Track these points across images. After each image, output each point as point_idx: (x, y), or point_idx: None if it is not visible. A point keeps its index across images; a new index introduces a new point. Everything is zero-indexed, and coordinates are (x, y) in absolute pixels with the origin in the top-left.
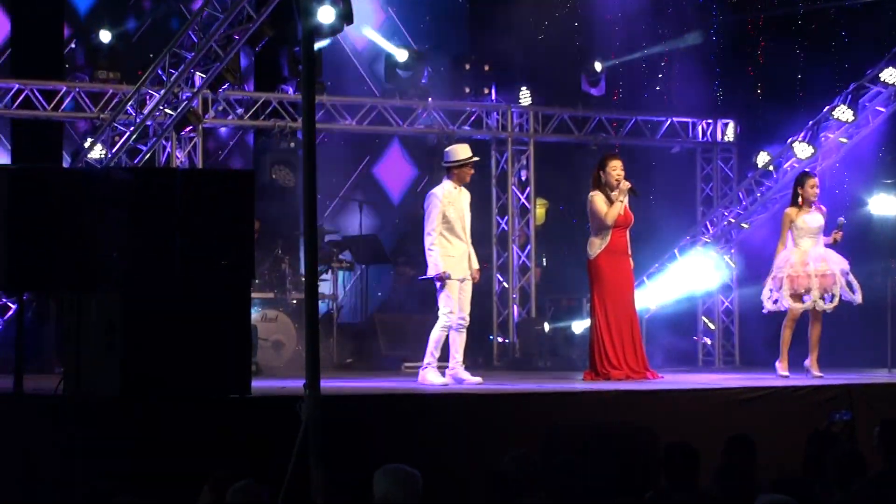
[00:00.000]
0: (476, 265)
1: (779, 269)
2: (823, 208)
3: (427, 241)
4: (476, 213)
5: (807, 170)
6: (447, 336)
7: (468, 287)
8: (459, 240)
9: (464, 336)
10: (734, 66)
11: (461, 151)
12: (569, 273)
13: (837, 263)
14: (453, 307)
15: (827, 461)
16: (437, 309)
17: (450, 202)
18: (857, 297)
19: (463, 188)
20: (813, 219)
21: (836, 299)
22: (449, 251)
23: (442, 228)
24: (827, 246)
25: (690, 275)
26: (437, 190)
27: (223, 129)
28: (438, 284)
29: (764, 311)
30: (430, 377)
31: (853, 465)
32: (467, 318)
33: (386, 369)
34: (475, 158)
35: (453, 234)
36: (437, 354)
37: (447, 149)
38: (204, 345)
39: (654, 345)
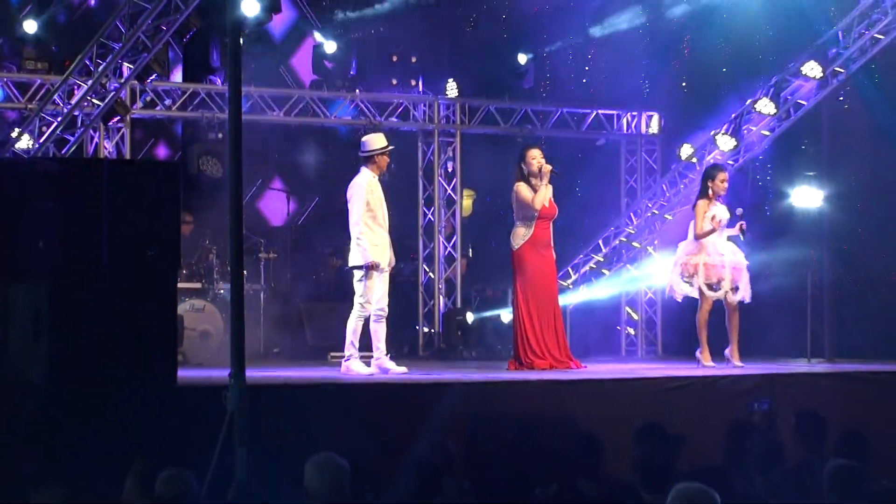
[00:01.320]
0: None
1: (690, 255)
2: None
3: (355, 230)
4: (403, 205)
5: (716, 163)
6: (363, 325)
7: (387, 277)
8: (381, 228)
9: (384, 326)
10: (660, 58)
11: (378, 140)
12: (495, 264)
13: (743, 257)
14: (371, 297)
15: (746, 450)
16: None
17: (371, 191)
18: (748, 296)
19: (377, 178)
20: (721, 211)
21: (740, 294)
22: (374, 240)
23: (367, 217)
24: (731, 238)
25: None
26: (360, 179)
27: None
28: (361, 273)
29: (677, 298)
30: (355, 367)
31: (772, 454)
32: (386, 308)
33: (313, 359)
34: (390, 147)
35: (376, 223)
36: (357, 344)
37: (363, 139)
38: (130, 334)
39: (577, 335)
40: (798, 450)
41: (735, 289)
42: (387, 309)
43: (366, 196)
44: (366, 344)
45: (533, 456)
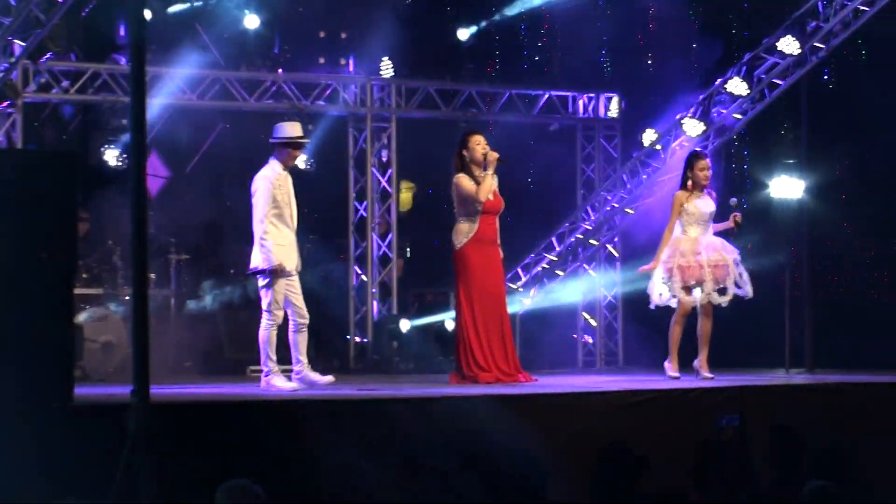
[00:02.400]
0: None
1: (666, 257)
2: (713, 193)
3: (258, 229)
4: (331, 199)
5: (698, 150)
6: (278, 335)
7: (297, 280)
8: (288, 228)
9: (306, 335)
10: (622, 34)
11: (291, 129)
12: (436, 264)
13: (730, 253)
14: (281, 302)
15: (714, 471)
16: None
17: (279, 185)
18: (749, 291)
19: (287, 172)
20: (705, 204)
21: (731, 293)
22: (279, 240)
23: (272, 215)
24: (717, 234)
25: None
26: (266, 171)
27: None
28: (265, 278)
29: (651, 305)
30: (276, 382)
31: (742, 475)
32: (307, 316)
33: (230, 374)
34: (302, 138)
35: (282, 222)
36: (274, 357)
37: (277, 124)
38: (20, 347)
39: (528, 344)
40: (772, 470)
41: (722, 290)
42: (307, 316)
43: (272, 191)
44: (287, 356)
45: (476, 481)
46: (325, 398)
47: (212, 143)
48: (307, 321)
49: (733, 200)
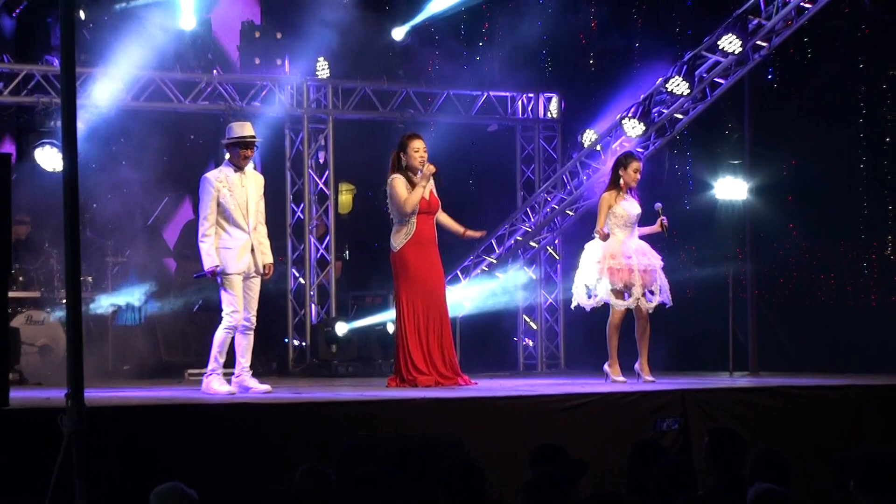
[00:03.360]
0: (268, 259)
1: (594, 259)
2: (637, 196)
3: (199, 231)
4: (269, 201)
5: (630, 151)
6: (232, 339)
7: (255, 284)
8: (240, 230)
9: (250, 339)
10: (563, 33)
11: (239, 128)
12: (376, 267)
13: (657, 258)
14: (237, 305)
15: (652, 475)
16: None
17: (226, 187)
18: (668, 299)
19: (250, 171)
20: (632, 206)
21: (656, 298)
22: (226, 242)
23: (218, 217)
24: (642, 237)
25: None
26: (210, 174)
27: None
28: (220, 281)
29: (587, 308)
30: (214, 385)
31: (678, 480)
32: (254, 320)
33: (167, 377)
34: (251, 137)
35: (231, 224)
36: (223, 360)
37: (227, 125)
38: None
39: (468, 347)
40: (712, 473)
41: (649, 294)
42: (254, 320)
43: (213, 192)
44: (231, 360)
45: (413, 485)
46: (259, 402)
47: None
48: (254, 325)
49: (658, 205)
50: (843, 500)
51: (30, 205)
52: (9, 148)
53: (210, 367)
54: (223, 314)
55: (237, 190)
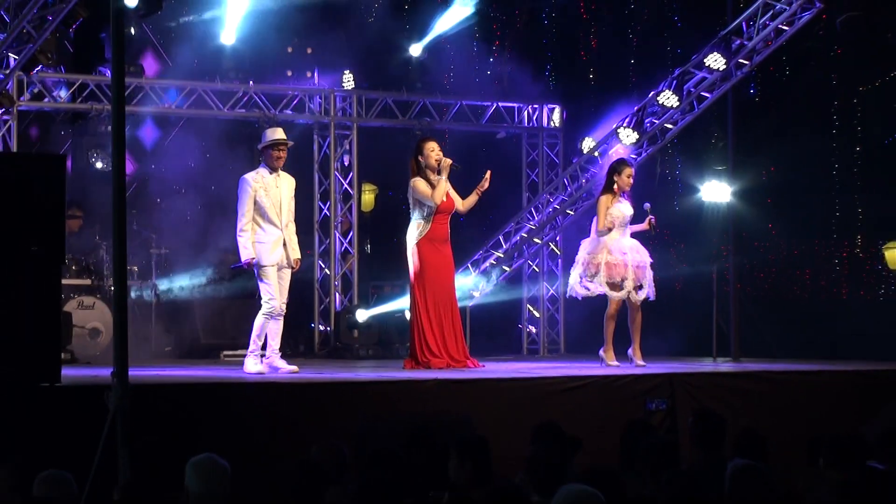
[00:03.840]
0: (296, 254)
1: (592, 254)
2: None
3: (238, 226)
4: (298, 200)
5: (623, 158)
6: (270, 324)
7: (286, 275)
8: (274, 226)
9: (280, 324)
10: (566, 50)
11: (272, 133)
12: (396, 259)
13: (647, 255)
14: (274, 293)
15: (640, 451)
16: (259, 297)
17: (262, 187)
18: (653, 294)
19: (284, 173)
20: (626, 208)
21: (645, 292)
22: (260, 237)
23: (254, 214)
24: (633, 235)
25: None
26: (248, 175)
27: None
28: (256, 272)
29: (578, 297)
30: (250, 365)
31: (663, 456)
32: (284, 307)
33: (205, 358)
34: (282, 140)
35: (266, 221)
36: (261, 342)
37: (263, 131)
38: (12, 332)
39: (478, 333)
40: (695, 450)
41: (639, 287)
42: (284, 308)
43: (251, 192)
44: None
45: (425, 459)
46: (286, 381)
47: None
48: (283, 312)
49: (647, 205)
50: (813, 474)
51: (83, 201)
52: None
53: (250, 348)
54: (263, 302)
55: (272, 190)
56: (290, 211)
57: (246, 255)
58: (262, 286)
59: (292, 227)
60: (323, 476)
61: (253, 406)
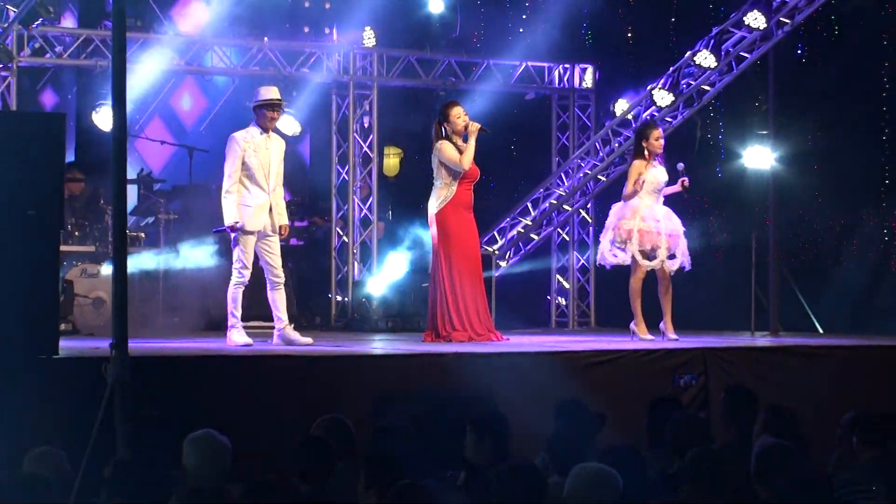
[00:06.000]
0: (283, 220)
1: (623, 220)
2: (662, 162)
3: (224, 187)
4: (316, 163)
5: (650, 120)
6: (243, 293)
7: (274, 243)
8: (261, 189)
9: (282, 294)
10: (603, 8)
11: (266, 91)
12: (419, 227)
13: (679, 224)
14: (246, 262)
15: (666, 429)
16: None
17: (252, 147)
18: (687, 263)
19: (274, 135)
20: (660, 173)
21: (677, 261)
22: (246, 200)
23: (242, 176)
24: (666, 197)
25: None
26: (237, 134)
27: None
28: (233, 236)
29: (608, 265)
30: (235, 337)
31: (692, 433)
32: (281, 274)
33: (214, 329)
34: (277, 100)
35: (253, 183)
36: (239, 313)
37: (256, 89)
38: (8, 301)
39: (504, 305)
40: (727, 429)
41: (671, 257)
42: (282, 276)
43: (239, 151)
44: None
45: (442, 437)
46: (295, 353)
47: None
48: (282, 280)
49: (681, 166)
50: (847, 453)
51: (88, 163)
52: (70, 108)
53: (229, 322)
54: (233, 269)
55: (262, 152)
56: (279, 175)
57: (230, 217)
58: (236, 252)
59: (280, 192)
60: (329, 452)
61: (259, 380)
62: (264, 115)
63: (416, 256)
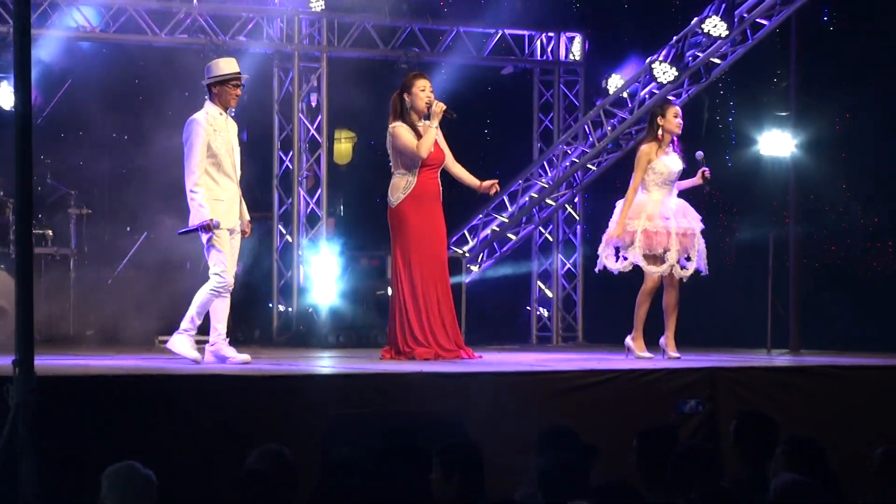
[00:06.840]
0: (247, 215)
1: (628, 220)
2: (680, 151)
3: (189, 181)
4: (254, 149)
5: (669, 98)
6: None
7: (237, 242)
8: (230, 180)
9: (228, 303)
10: None
11: (227, 65)
12: (377, 224)
13: (697, 220)
14: (227, 264)
15: (669, 462)
16: (209, 268)
17: (215, 130)
18: (704, 267)
19: (229, 117)
20: (675, 162)
21: (692, 265)
22: (217, 194)
23: (208, 164)
24: (682, 191)
25: None
26: (198, 115)
27: None
28: (205, 237)
29: (613, 272)
30: (181, 346)
31: (698, 468)
32: (232, 281)
33: (134, 344)
34: (242, 75)
35: (221, 173)
36: (199, 322)
37: (209, 63)
38: None
39: (476, 317)
40: (740, 463)
41: (685, 260)
42: (233, 282)
43: (204, 136)
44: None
45: (403, 469)
46: (234, 374)
47: (120, 81)
48: (231, 288)
49: (700, 154)
50: (880, 491)
51: None
52: None
53: (184, 326)
54: (212, 274)
55: (224, 134)
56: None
57: (204, 214)
58: (214, 255)
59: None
60: (269, 488)
61: (191, 405)
62: (228, 92)
63: (373, 259)
